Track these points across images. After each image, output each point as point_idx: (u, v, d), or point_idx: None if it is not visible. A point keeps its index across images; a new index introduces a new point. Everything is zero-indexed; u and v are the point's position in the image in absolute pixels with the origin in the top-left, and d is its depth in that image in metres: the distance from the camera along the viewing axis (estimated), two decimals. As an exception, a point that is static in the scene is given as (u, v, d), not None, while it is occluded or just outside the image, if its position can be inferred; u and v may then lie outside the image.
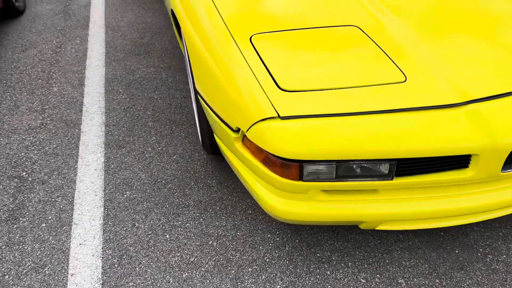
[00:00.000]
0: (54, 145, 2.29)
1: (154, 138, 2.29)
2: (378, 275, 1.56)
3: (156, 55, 3.05)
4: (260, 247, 1.69)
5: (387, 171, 1.30)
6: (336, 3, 1.62)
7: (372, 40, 1.44)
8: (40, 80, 2.86)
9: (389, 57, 1.39)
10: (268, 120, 1.30)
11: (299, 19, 1.54)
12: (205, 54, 1.54)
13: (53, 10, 3.87)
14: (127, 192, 1.98)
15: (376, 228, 1.50)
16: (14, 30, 3.46)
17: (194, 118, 2.41)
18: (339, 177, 1.32)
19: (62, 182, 2.05)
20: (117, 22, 3.56)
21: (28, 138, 2.35)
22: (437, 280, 1.54)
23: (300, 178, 1.33)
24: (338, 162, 1.28)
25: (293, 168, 1.31)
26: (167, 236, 1.76)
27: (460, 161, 1.31)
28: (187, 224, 1.81)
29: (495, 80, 1.33)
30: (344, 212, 1.41)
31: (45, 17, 3.75)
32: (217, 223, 1.80)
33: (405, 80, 1.32)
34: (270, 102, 1.31)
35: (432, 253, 1.63)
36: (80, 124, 2.43)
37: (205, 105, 1.61)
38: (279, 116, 1.29)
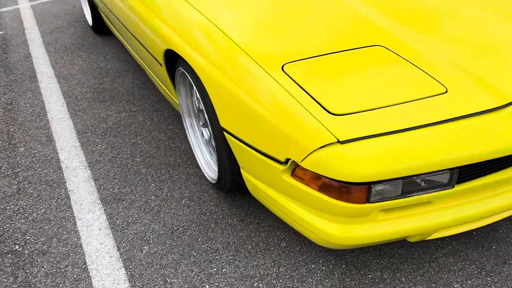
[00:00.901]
0: (42, 210, 2.07)
1: (153, 185, 2.16)
2: (433, 284, 1.57)
3: (124, 99, 2.91)
4: (309, 279, 1.63)
5: (448, 180, 1.33)
6: (344, 24, 1.65)
7: (401, 57, 1.48)
8: (0, 142, 2.60)
9: (423, 71, 1.43)
10: (328, 147, 1.28)
11: (320, 44, 1.55)
12: (235, 90, 1.49)
13: (-12, 66, 3.56)
14: (145, 247, 1.83)
15: (427, 238, 1.52)
16: (-48, 92, 3.14)
17: (191, 157, 2.31)
18: (403, 193, 1.32)
19: (67, 249, 1.85)
20: (68, 70, 3.35)
21: (8, 207, 2.11)
22: (488, 278, 1.58)
23: (367, 200, 1.31)
24: (404, 179, 1.28)
25: (360, 192, 1.29)
26: (207, 286, 1.65)
27: (506, 161, 1.37)
28: (224, 270, 1.70)
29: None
30: (403, 228, 1.41)
31: (-18, 74, 3.44)
32: (254, 262, 1.72)
33: (446, 91, 1.37)
34: (325, 128, 1.29)
35: (473, 253, 1.67)
36: (65, 182, 2.23)
37: (238, 142, 1.55)
38: (338, 141, 1.27)
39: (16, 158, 2.45)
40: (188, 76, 1.80)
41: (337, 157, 1.26)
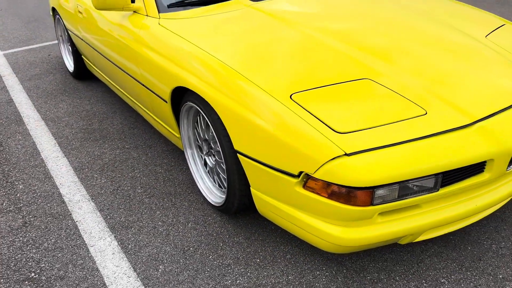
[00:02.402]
0: (52, 240, 2.16)
1: (158, 212, 2.31)
2: (423, 281, 1.82)
3: (116, 137, 3.06)
4: (316, 284, 1.83)
5: (434, 184, 1.60)
6: (334, 61, 1.94)
7: (385, 87, 1.79)
8: (-4, 181, 2.66)
9: (405, 97, 1.74)
10: (337, 159, 1.53)
11: (318, 78, 1.82)
12: (249, 117, 1.72)
13: (-30, 111, 3.62)
14: (160, 267, 1.97)
15: (415, 240, 1.77)
16: None
17: (190, 187, 2.48)
18: (399, 197, 1.59)
19: (84, 273, 1.95)
20: (54, 113, 3.48)
21: (17, 239, 2.18)
22: (468, 273, 1.84)
23: (371, 203, 1.56)
24: (400, 183, 1.55)
25: (365, 195, 1.54)
26: (225, 296, 1.80)
27: (478, 168, 1.68)
28: (238, 281, 1.87)
29: (488, 100, 1.76)
30: (398, 229, 1.66)
31: (-36, 118, 3.49)
32: (265, 273, 1.90)
33: (426, 113, 1.68)
34: (333, 143, 1.55)
35: (453, 253, 1.94)
36: (70, 214, 2.34)
37: (252, 162, 1.77)
38: (345, 153, 1.53)
39: (16, 194, 2.53)
40: (199, 109, 2.03)
41: (345, 167, 1.52)
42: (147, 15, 2.47)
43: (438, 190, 1.63)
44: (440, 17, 2.41)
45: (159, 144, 2.95)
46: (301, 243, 2.05)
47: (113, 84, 3.19)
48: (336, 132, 1.58)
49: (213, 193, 2.29)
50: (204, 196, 2.33)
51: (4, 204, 2.45)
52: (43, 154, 2.92)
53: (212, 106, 1.90)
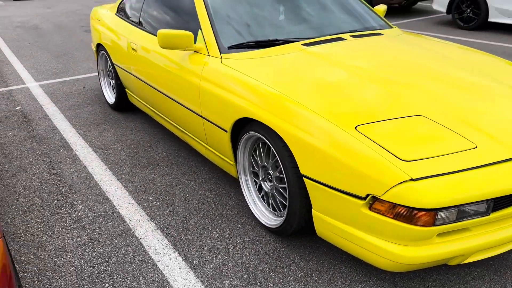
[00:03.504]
0: (120, 255, 2.32)
1: (215, 232, 2.49)
2: (471, 300, 2.00)
3: (163, 164, 3.26)
4: (373, 299, 2.01)
5: (485, 209, 1.82)
6: (383, 98, 2.19)
7: (438, 123, 2.03)
8: (56, 201, 2.84)
9: (456, 132, 1.98)
10: (404, 183, 1.75)
11: (377, 113, 2.07)
12: (319, 145, 1.95)
13: (18, 136, 3.83)
14: (226, 281, 2.13)
15: (464, 262, 1.96)
16: (-7, 157, 3.35)
17: (241, 210, 2.67)
18: (457, 219, 1.79)
19: (156, 285, 2.11)
20: (100, 141, 3.69)
21: (86, 254, 2.34)
22: (510, 294, 2.03)
23: (433, 224, 1.76)
24: (458, 207, 1.76)
25: (428, 216, 1.74)
26: (290, 308, 1.97)
27: (521, 196, 1.90)
28: (300, 295, 2.04)
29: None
30: (452, 249, 1.85)
31: (13, 143, 3.70)
32: (324, 289, 2.07)
33: (476, 147, 1.91)
34: (400, 169, 1.77)
35: (494, 276, 2.13)
36: (133, 232, 2.51)
37: (319, 185, 1.98)
38: (412, 178, 1.75)
39: (78, 213, 2.70)
40: (264, 138, 2.25)
41: (412, 190, 1.73)
42: (208, 55, 2.73)
43: (489, 214, 1.84)
44: (476, 66, 2.69)
45: (205, 171, 3.15)
46: (355, 264, 2.23)
47: (159, 115, 3.42)
48: (401, 159, 1.81)
49: (266, 216, 2.48)
50: (257, 219, 2.52)
51: (68, 222, 2.62)
52: (96, 177, 3.11)
53: (279, 135, 2.13)
